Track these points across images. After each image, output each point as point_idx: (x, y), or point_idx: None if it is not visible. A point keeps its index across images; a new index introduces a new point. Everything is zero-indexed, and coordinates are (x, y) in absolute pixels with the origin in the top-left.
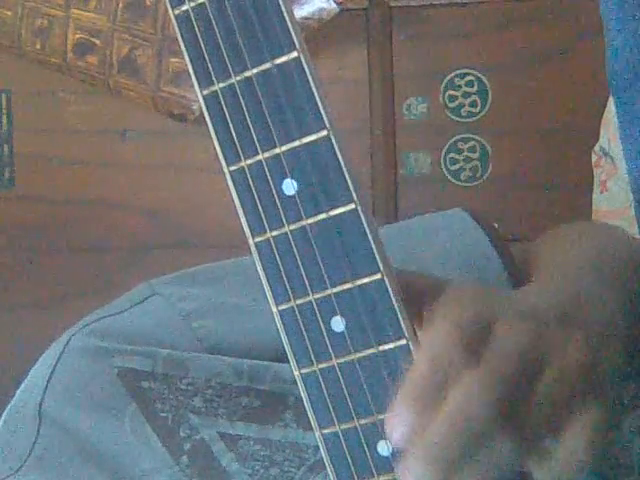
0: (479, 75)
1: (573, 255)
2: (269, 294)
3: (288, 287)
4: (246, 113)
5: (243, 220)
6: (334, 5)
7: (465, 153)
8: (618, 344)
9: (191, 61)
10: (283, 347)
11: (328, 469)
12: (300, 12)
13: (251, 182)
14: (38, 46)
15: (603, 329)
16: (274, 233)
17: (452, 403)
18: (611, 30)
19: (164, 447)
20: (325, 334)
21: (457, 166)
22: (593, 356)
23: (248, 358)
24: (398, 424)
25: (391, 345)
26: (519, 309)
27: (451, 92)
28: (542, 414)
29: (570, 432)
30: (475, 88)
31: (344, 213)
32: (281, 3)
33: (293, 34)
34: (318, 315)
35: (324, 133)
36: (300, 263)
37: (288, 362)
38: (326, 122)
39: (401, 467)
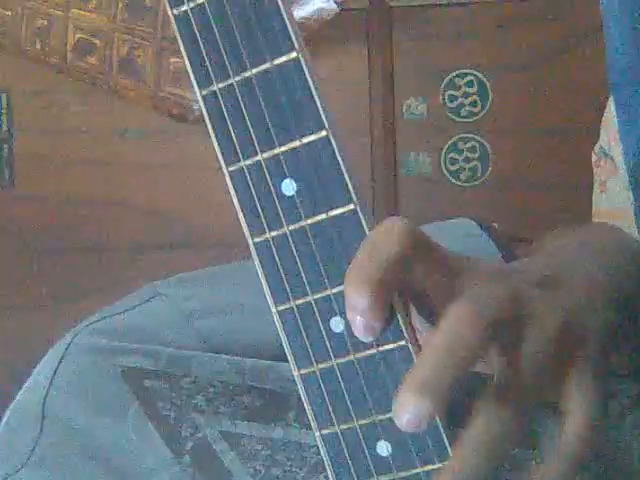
0: (479, 75)
1: (559, 240)
2: (268, 294)
3: (287, 287)
4: (245, 113)
5: (242, 220)
6: (334, 5)
7: (465, 153)
8: (603, 311)
9: (190, 61)
10: (284, 347)
11: (328, 470)
12: (300, 12)
13: (250, 182)
14: (38, 46)
15: (585, 295)
16: (273, 233)
17: (442, 330)
18: (610, 29)
19: (166, 446)
20: (324, 334)
21: (457, 166)
22: (571, 317)
23: (251, 357)
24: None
25: (391, 346)
26: (496, 268)
27: (451, 92)
28: (529, 374)
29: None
30: (475, 88)
31: (343, 213)
32: (280, 3)
33: (292, 34)
34: (317, 316)
35: (323, 133)
36: (299, 263)
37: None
38: (325, 122)
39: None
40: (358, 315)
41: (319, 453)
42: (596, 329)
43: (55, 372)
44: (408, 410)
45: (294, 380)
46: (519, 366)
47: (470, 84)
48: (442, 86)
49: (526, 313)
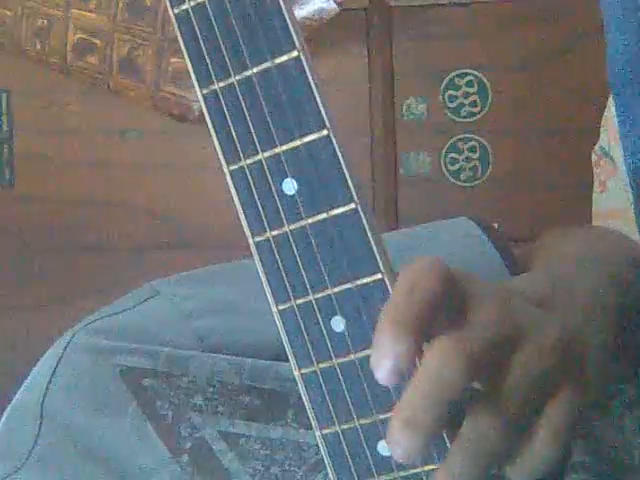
0: (479, 75)
1: (557, 249)
2: (269, 294)
3: (288, 287)
4: (246, 112)
5: (243, 220)
6: (334, 5)
7: (465, 153)
8: (603, 323)
9: (191, 60)
10: (284, 346)
11: (328, 469)
12: (300, 12)
13: (251, 181)
14: (38, 46)
15: (584, 310)
16: (274, 233)
17: (425, 367)
18: (611, 29)
19: (165, 445)
20: (325, 334)
21: (457, 166)
22: (570, 335)
23: (249, 357)
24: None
25: None
26: (496, 288)
27: (451, 92)
28: (519, 389)
29: (546, 410)
30: (475, 88)
31: (344, 213)
32: (281, 2)
33: (293, 33)
34: (318, 315)
35: (324, 133)
36: (300, 263)
37: (289, 361)
38: (326, 122)
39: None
40: (388, 359)
41: (318, 452)
42: (595, 345)
43: (54, 372)
44: (399, 446)
45: (293, 380)
46: (509, 383)
47: (470, 84)
48: (442, 86)
49: (521, 334)
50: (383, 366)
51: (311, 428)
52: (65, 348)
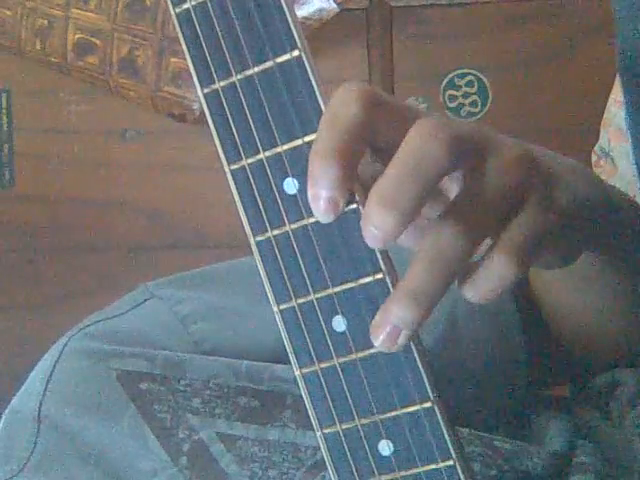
0: (479, 75)
1: None
2: (270, 294)
3: (289, 286)
4: (247, 112)
5: (244, 219)
6: (334, 5)
7: None
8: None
9: (192, 60)
10: (280, 350)
11: (329, 469)
12: (300, 12)
13: (252, 181)
14: (38, 46)
15: (569, 170)
16: (275, 232)
17: (406, 144)
18: (621, 16)
19: (163, 448)
20: (326, 334)
21: None
22: (539, 157)
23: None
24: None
25: None
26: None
27: (451, 92)
28: (485, 196)
29: (508, 224)
30: (475, 88)
31: (345, 212)
32: (282, 1)
33: (295, 33)
34: (319, 314)
35: None
36: (301, 262)
37: (285, 364)
38: None
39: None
40: (323, 189)
41: (315, 454)
42: (580, 189)
43: (50, 377)
44: (373, 224)
45: (290, 380)
46: (482, 188)
47: (470, 84)
48: (442, 86)
49: (491, 144)
50: (318, 198)
51: (308, 429)
52: (61, 353)
